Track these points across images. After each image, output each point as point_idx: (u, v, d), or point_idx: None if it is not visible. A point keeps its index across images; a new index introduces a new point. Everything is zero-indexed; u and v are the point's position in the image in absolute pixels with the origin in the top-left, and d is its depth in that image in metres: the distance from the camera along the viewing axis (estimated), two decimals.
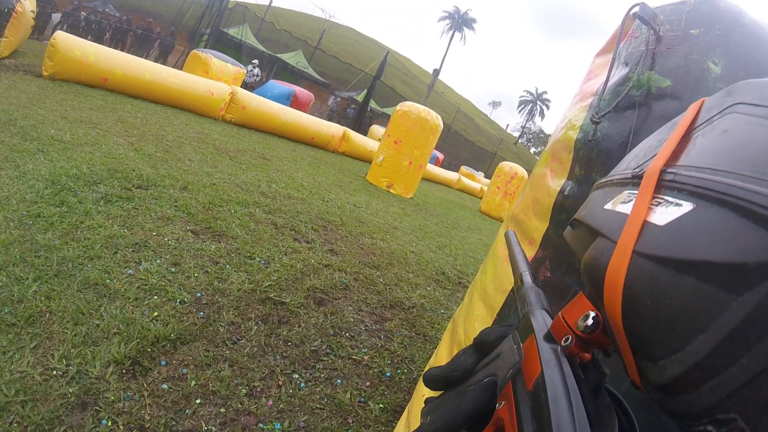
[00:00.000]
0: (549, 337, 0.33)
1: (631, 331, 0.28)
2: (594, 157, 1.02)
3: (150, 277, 2.08)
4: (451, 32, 61.36)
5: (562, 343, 0.32)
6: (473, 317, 1.27)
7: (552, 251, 1.05)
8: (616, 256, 0.29)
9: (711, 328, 0.22)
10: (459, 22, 60.95)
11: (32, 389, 1.37)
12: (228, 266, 2.43)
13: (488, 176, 23.14)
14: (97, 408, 1.39)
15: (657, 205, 0.30)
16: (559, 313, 0.34)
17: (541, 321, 0.36)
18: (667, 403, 0.26)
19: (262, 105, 8.82)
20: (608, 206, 0.38)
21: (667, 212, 0.28)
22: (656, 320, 0.25)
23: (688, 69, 0.95)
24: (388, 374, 2.06)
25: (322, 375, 1.91)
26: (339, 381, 1.91)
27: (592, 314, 0.32)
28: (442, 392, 0.41)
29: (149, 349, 1.70)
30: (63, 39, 5.86)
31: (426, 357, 2.33)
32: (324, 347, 2.08)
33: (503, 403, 0.32)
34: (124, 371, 1.57)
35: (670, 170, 0.32)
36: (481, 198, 16.44)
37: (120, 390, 1.49)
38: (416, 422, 1.25)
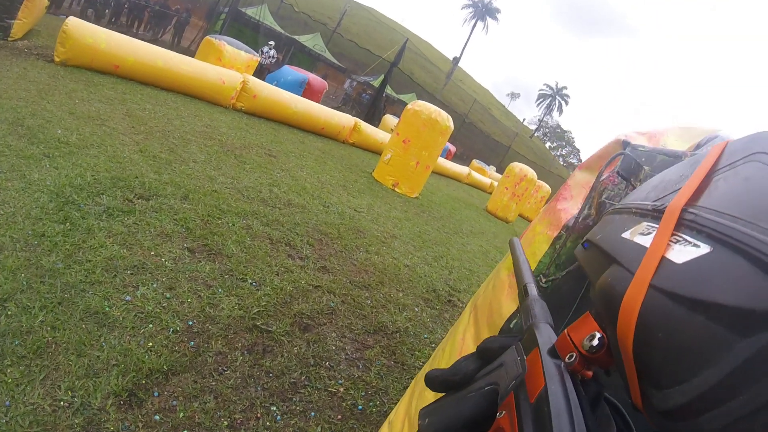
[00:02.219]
0: (553, 353, 0.34)
1: (641, 359, 0.29)
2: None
3: (146, 304, 2.22)
4: (473, 21, 60.27)
5: (566, 359, 0.33)
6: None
7: None
8: (633, 287, 0.31)
9: (716, 365, 0.24)
10: (482, 11, 59.87)
11: (43, 420, 1.51)
12: (220, 290, 2.56)
13: (500, 170, 23.02)
14: None
15: (676, 243, 0.32)
16: (565, 331, 0.35)
17: (546, 336, 0.37)
18: (667, 427, 0.28)
19: (274, 94, 8.88)
20: (626, 235, 0.39)
21: (685, 251, 0.30)
22: (666, 352, 0.27)
23: None
24: (359, 407, 2.19)
25: (298, 408, 2.04)
26: (312, 414, 2.04)
27: (598, 335, 0.33)
28: (434, 401, 0.42)
29: (144, 381, 1.84)
30: (75, 25, 5.93)
31: (401, 388, 2.46)
32: (303, 378, 2.22)
33: (504, 412, 0.32)
34: (121, 402, 1.71)
35: (691, 210, 0.33)
36: (490, 193, 16.44)
37: (118, 421, 1.63)
38: None
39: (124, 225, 2.78)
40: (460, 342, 1.26)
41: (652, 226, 0.36)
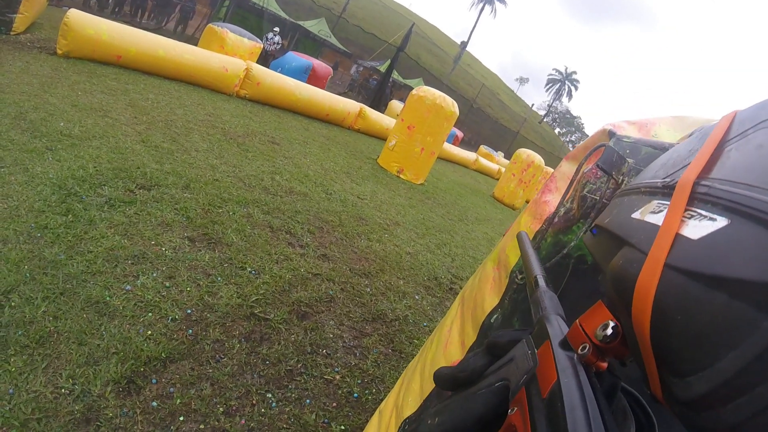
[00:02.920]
0: (565, 345, 0.33)
1: (659, 346, 0.28)
2: (520, 300, 0.97)
3: (146, 293, 2.25)
4: (481, 4, 59.31)
5: (579, 351, 0.32)
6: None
7: None
8: (647, 268, 0.29)
9: (741, 346, 0.22)
10: None
11: (45, 407, 1.56)
12: (219, 278, 2.60)
13: (508, 156, 22.87)
14: (98, 423, 1.59)
15: (690, 218, 0.30)
16: (577, 321, 0.34)
17: (557, 327, 0.36)
18: (690, 418, 0.26)
19: (278, 81, 8.86)
20: (636, 215, 0.37)
21: (700, 226, 0.28)
22: (686, 336, 0.25)
23: None
24: (355, 395, 2.22)
25: (293, 395, 2.08)
26: (308, 401, 2.08)
27: (612, 323, 0.32)
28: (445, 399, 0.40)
29: (142, 369, 1.88)
30: (76, 17, 5.93)
31: (398, 376, 2.48)
32: (299, 366, 2.25)
33: (516, 409, 0.31)
34: (120, 389, 1.76)
35: (703, 182, 0.32)
36: (498, 179, 16.35)
37: (117, 407, 1.68)
38: (387, 423, 1.34)
39: (126, 215, 2.81)
40: (446, 334, 1.27)
41: (663, 203, 0.35)
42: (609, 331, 0.31)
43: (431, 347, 1.43)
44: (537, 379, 0.31)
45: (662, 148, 0.84)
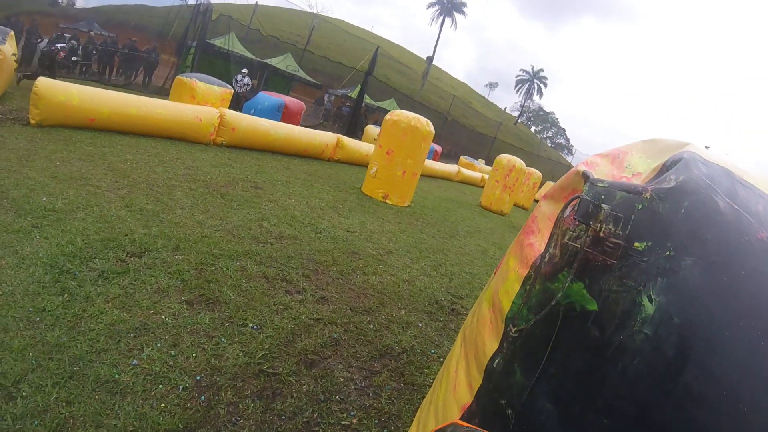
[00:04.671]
0: None
1: None
2: (518, 348, 0.99)
3: (153, 365, 2.25)
4: (441, 18, 60.63)
5: None
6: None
7: (481, 408, 1.07)
8: None
9: None
10: (448, 6, 60.17)
11: None
12: (223, 339, 2.60)
13: (489, 162, 23.13)
14: None
15: None
16: None
17: None
18: None
19: (252, 124, 8.94)
20: None
21: None
22: None
23: (618, 298, 0.83)
24: None
25: None
26: None
27: None
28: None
29: None
30: (45, 85, 5.95)
31: (413, 409, 2.50)
32: (315, 416, 2.25)
33: None
34: None
35: None
36: (482, 187, 16.52)
37: None
38: None
39: (121, 287, 2.81)
40: (453, 375, 1.31)
41: None
42: None
43: (441, 387, 1.46)
44: None
45: (636, 192, 0.89)
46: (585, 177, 1.01)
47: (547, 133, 77.03)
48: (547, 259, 1.00)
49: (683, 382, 0.77)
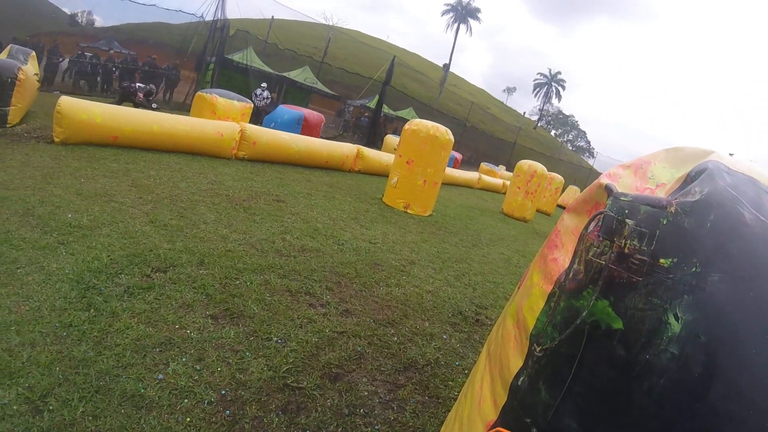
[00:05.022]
0: None
1: None
2: (543, 366, 0.98)
3: (178, 380, 2.27)
4: (456, 24, 60.68)
5: None
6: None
7: (506, 426, 1.06)
8: None
9: None
10: (463, 13, 60.22)
11: None
12: (247, 353, 2.61)
13: (510, 168, 22.95)
14: None
15: None
16: None
17: None
18: None
19: (273, 137, 9.05)
20: None
21: None
22: None
23: (644, 316, 0.82)
24: None
25: None
26: None
27: None
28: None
29: None
30: (68, 105, 6.11)
31: (438, 423, 2.45)
32: (339, 431, 2.23)
33: None
34: None
35: None
36: (504, 194, 16.38)
37: None
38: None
39: (146, 302, 2.85)
40: (478, 390, 1.28)
41: None
42: None
43: (466, 403, 1.43)
44: None
45: (660, 206, 0.87)
46: (608, 191, 0.99)
47: (568, 136, 76.11)
48: (571, 275, 0.98)
49: (710, 401, 0.76)
